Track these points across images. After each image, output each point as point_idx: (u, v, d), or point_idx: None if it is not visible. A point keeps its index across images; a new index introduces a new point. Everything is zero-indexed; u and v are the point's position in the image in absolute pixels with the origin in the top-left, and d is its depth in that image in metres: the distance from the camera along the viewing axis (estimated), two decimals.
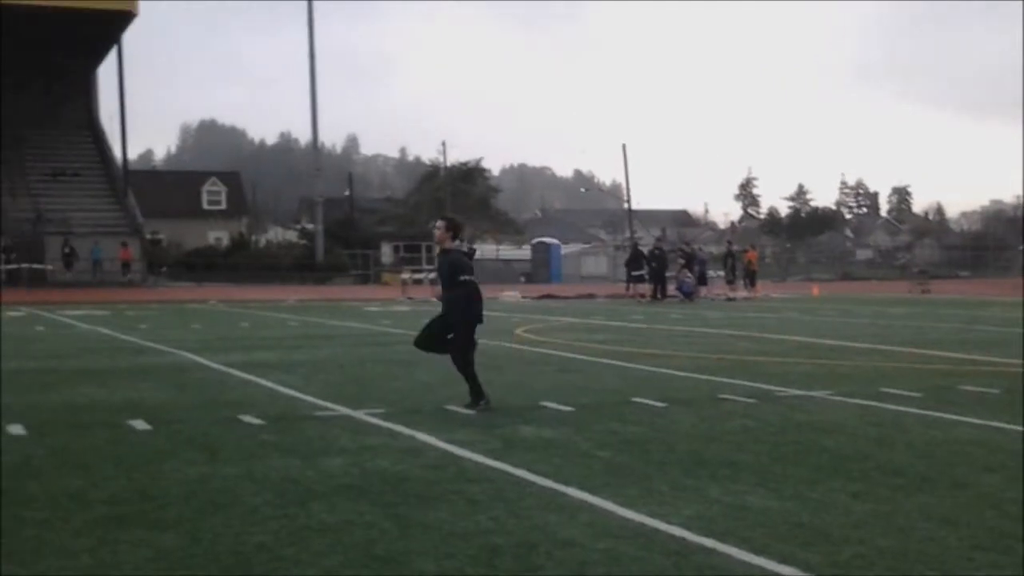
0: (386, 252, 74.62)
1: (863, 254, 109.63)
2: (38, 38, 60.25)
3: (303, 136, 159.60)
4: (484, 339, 20.26)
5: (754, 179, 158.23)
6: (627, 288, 42.72)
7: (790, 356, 16.77)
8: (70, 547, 5.65)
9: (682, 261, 42.33)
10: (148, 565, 5.33)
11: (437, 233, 11.06)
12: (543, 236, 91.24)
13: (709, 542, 5.73)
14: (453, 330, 10.93)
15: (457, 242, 11.03)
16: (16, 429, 9.39)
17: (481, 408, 10.63)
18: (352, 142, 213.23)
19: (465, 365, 10.87)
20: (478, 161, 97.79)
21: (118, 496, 6.82)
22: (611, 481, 7.30)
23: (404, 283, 44.54)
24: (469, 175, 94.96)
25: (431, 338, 11.22)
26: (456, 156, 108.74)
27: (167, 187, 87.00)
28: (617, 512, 6.42)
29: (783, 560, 5.39)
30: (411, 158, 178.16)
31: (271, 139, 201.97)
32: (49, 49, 62.02)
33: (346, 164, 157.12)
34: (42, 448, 8.55)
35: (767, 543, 5.71)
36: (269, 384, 12.89)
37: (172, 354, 17.04)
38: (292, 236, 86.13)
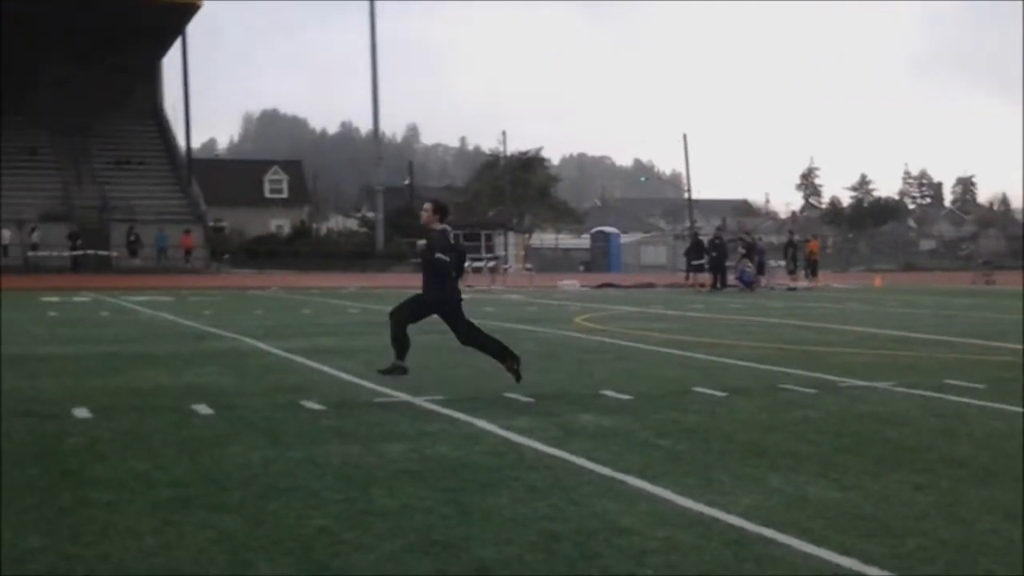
0: None
1: (926, 244, 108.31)
2: (104, 28, 61.02)
3: (364, 125, 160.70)
4: (543, 327, 20.39)
5: (816, 169, 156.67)
6: (687, 277, 42.60)
7: (852, 346, 16.63)
8: (135, 528, 5.72)
9: (742, 251, 42.08)
10: (212, 547, 5.39)
11: (424, 216, 11.08)
12: (602, 225, 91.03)
13: (768, 532, 5.70)
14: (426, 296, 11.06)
15: (444, 225, 10.95)
16: (82, 412, 9.53)
17: (395, 372, 10.90)
18: (413, 131, 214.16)
19: (398, 322, 11.02)
20: (538, 150, 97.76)
21: (182, 479, 6.91)
22: (670, 470, 7.28)
23: (464, 272, 44.60)
24: (529, 164, 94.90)
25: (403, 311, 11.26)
26: (516, 145, 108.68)
27: (230, 175, 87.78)
28: (676, 501, 6.41)
29: (844, 551, 5.36)
30: (471, 147, 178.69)
31: (332, 128, 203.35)
32: (115, 39, 62.75)
33: (407, 153, 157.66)
34: (107, 431, 8.67)
35: (827, 534, 5.68)
36: (330, 370, 12.99)
37: (234, 340, 17.21)
38: (353, 224, 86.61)
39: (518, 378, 11.07)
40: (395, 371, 10.97)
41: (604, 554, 5.32)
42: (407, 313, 11.13)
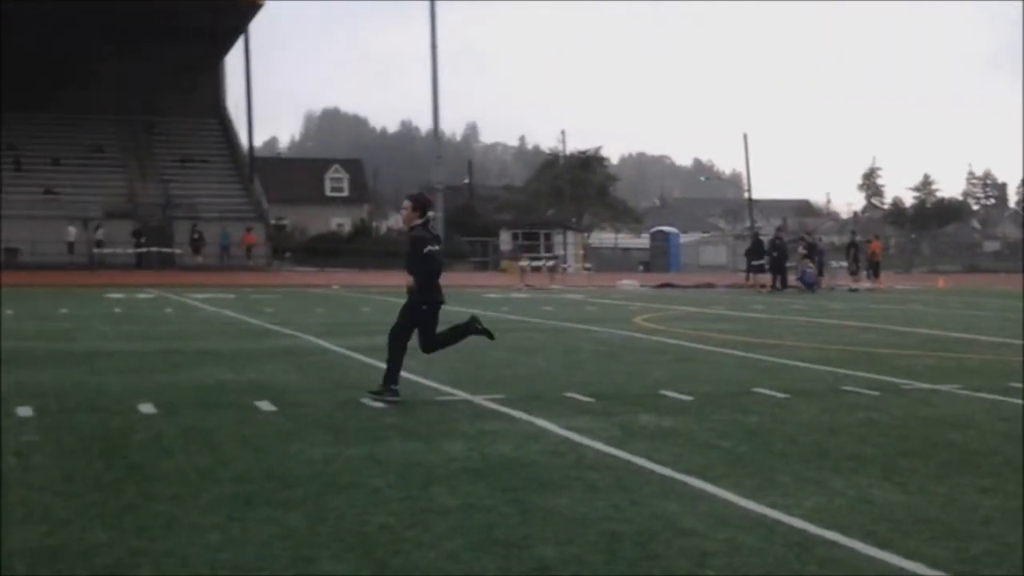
0: (505, 239, 74.86)
1: (991, 246, 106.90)
2: (168, 28, 61.71)
3: (424, 124, 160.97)
4: (603, 327, 20.34)
5: (878, 169, 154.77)
6: (747, 278, 42.34)
7: (915, 349, 16.45)
8: (199, 523, 5.77)
9: (803, 251, 41.76)
10: (275, 543, 5.43)
11: (404, 212, 10.75)
12: (662, 225, 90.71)
13: (832, 535, 5.65)
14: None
15: (424, 221, 10.66)
16: (147, 408, 9.64)
17: (386, 398, 10.15)
18: (472, 130, 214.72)
19: (396, 341, 10.53)
20: (597, 149, 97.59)
21: (246, 475, 6.97)
22: (732, 471, 7.25)
23: (523, 271, 44.63)
24: (588, 163, 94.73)
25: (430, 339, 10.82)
26: (575, 144, 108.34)
27: (291, 174, 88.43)
28: (738, 502, 6.38)
29: (909, 555, 5.30)
30: (530, 146, 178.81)
31: (392, 127, 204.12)
32: (179, 38, 63.45)
33: (466, 152, 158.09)
34: (172, 426, 8.76)
35: (892, 537, 5.62)
36: None
37: (296, 337, 17.34)
38: None
39: (491, 335, 10.94)
40: (386, 394, 10.27)
41: (665, 555, 5.30)
42: (406, 335, 10.64)
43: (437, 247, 10.55)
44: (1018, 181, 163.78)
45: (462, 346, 16.19)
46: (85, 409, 9.58)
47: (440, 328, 10.82)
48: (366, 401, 10.20)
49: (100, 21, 60.38)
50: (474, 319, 10.99)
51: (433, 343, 10.74)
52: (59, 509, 6.01)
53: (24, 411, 9.32)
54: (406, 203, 10.75)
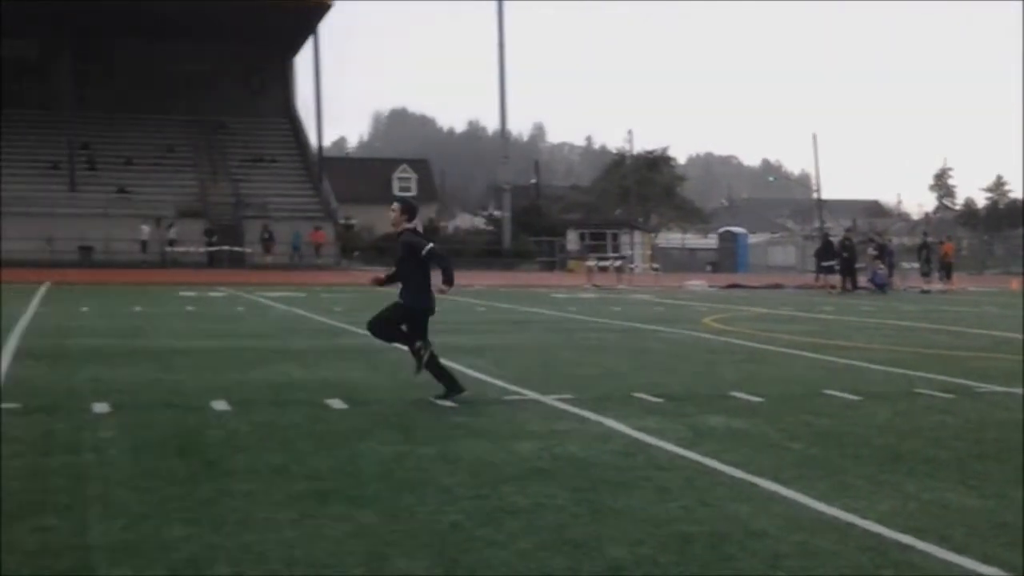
0: (571, 239, 74.80)
1: None
2: (239, 29, 62.42)
3: (491, 124, 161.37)
4: (671, 327, 20.28)
5: (950, 169, 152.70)
6: (816, 279, 41.99)
7: (989, 351, 16.23)
8: (274, 519, 5.84)
9: (874, 252, 41.35)
10: (348, 540, 5.48)
11: (392, 216, 10.65)
12: (730, 225, 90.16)
13: (907, 539, 5.60)
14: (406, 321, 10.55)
15: (414, 225, 10.58)
16: (220, 405, 9.76)
17: (422, 358, 10.24)
18: (539, 130, 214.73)
19: (377, 332, 10.61)
20: (664, 150, 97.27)
21: (318, 472, 7.03)
22: (804, 473, 7.20)
23: (590, 270, 44.57)
24: (655, 163, 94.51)
25: (382, 325, 10.76)
26: (642, 144, 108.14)
27: (359, 173, 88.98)
28: (810, 505, 6.33)
29: (985, 560, 5.24)
30: (597, 146, 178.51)
31: (460, 127, 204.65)
32: (249, 39, 64.16)
33: (533, 152, 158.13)
34: (245, 423, 8.86)
35: (968, 542, 5.56)
36: (460, 367, 13.04)
37: (366, 336, 17.30)
38: (479, 222, 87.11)
39: (418, 369, 10.50)
40: (453, 392, 10.33)
41: (738, 557, 5.28)
42: (390, 333, 10.65)
43: (432, 245, 10.47)
44: None
45: (531, 346, 16.34)
46: (160, 406, 9.72)
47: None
48: (435, 400, 10.25)
49: (172, 23, 61.17)
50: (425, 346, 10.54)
51: (379, 329, 10.71)
52: (137, 504, 6.10)
53: (101, 407, 9.48)
54: (395, 206, 10.71)
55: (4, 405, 9.46)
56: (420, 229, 10.67)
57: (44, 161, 59.89)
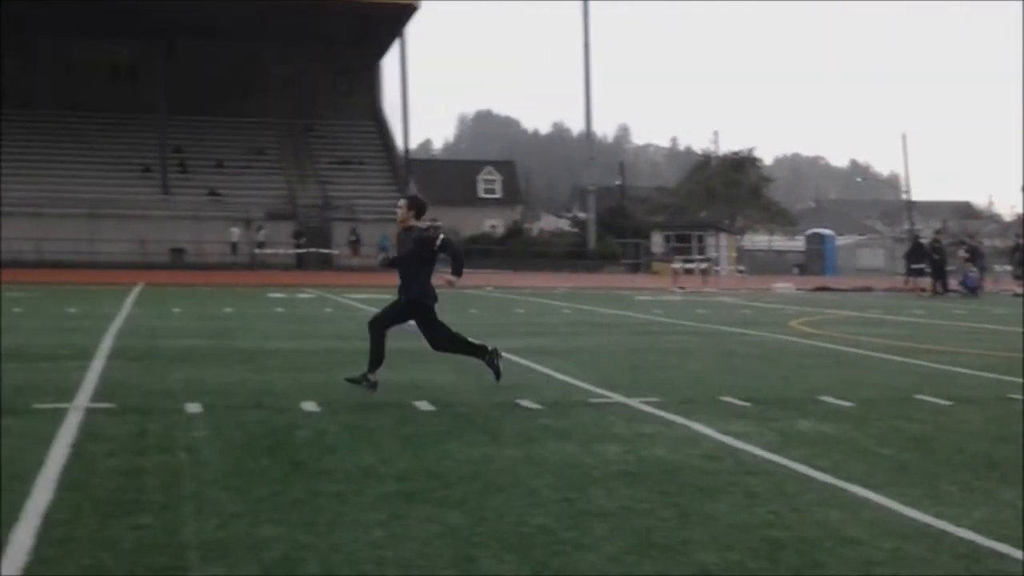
0: (657, 241, 74.52)
1: None
2: (326, 32, 63.07)
3: (576, 126, 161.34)
4: (758, 330, 20.11)
5: None
6: (906, 281, 41.39)
7: None
8: (363, 520, 5.89)
9: (965, 255, 40.67)
10: (436, 541, 5.51)
11: (399, 212, 10.73)
12: (817, 227, 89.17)
13: (1002, 547, 5.50)
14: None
15: (422, 222, 10.70)
16: (310, 405, 9.86)
17: (365, 387, 10.40)
18: (624, 131, 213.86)
19: (375, 328, 10.66)
20: (750, 150, 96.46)
21: (406, 473, 7.08)
22: (895, 479, 7.10)
23: (675, 273, 44.36)
24: (741, 164, 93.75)
25: (440, 339, 11.08)
26: (728, 146, 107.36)
27: (445, 175, 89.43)
28: (902, 511, 6.25)
29: None
30: (682, 147, 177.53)
31: (545, 129, 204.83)
32: (337, 42, 64.80)
33: (617, 153, 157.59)
34: (334, 424, 8.95)
35: None
36: (545, 370, 13.11)
37: None
38: (564, 224, 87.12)
39: (498, 375, 11.00)
40: (363, 383, 10.57)
41: (829, 564, 5.23)
42: (387, 321, 10.81)
43: (444, 236, 10.63)
44: None
45: (616, 348, 16.30)
46: (251, 406, 9.84)
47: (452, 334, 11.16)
48: (522, 402, 10.27)
49: (261, 27, 62.00)
50: (495, 353, 11.08)
51: (441, 343, 11.04)
52: (229, 503, 6.19)
53: (193, 407, 9.63)
54: (401, 202, 10.81)
55: (99, 405, 9.67)
56: (425, 227, 10.79)
57: (137, 164, 61.00)
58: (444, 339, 11.11)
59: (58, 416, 8.94)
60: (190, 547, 5.32)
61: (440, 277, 10.80)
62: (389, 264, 11.01)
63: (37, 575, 4.87)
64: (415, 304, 10.81)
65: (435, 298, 10.86)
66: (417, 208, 10.73)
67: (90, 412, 9.26)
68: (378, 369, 10.69)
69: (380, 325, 10.74)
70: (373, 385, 10.50)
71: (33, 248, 51.35)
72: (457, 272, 10.75)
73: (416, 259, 10.57)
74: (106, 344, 15.18)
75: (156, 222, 55.72)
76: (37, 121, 61.87)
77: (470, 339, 11.15)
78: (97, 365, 12.67)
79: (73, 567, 4.98)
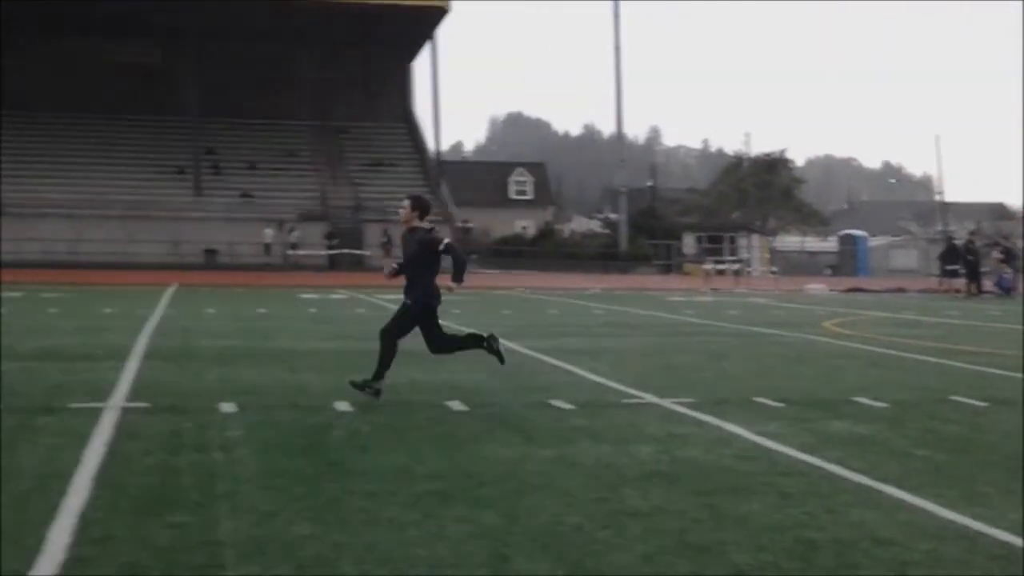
0: (688, 243, 74.34)
1: None
2: (358, 35, 63.27)
3: (607, 127, 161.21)
4: (790, 331, 20.03)
5: None
6: (940, 283, 41.12)
7: None
8: (398, 519, 5.91)
9: (1000, 256, 40.40)
10: (470, 541, 5.52)
11: (402, 213, 10.55)
12: (850, 228, 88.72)
13: None
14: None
15: (425, 223, 10.50)
16: (342, 405, 9.89)
17: (368, 392, 10.13)
18: (655, 133, 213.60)
19: (386, 337, 10.43)
20: (782, 152, 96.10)
21: (440, 473, 7.09)
22: (931, 481, 7.07)
23: (707, 274, 44.24)
24: (773, 166, 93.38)
25: (437, 341, 10.86)
26: (759, 147, 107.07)
27: (476, 177, 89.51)
28: (938, 513, 6.22)
29: None
30: (713, 149, 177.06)
31: (575, 130, 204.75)
32: (368, 45, 64.99)
33: (648, 155, 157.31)
34: (367, 424, 8.98)
35: None
36: (578, 370, 13.10)
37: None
38: (595, 226, 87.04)
39: (502, 359, 10.89)
40: (367, 390, 10.22)
41: (864, 565, 5.21)
42: (398, 332, 10.53)
43: (449, 240, 10.47)
44: None
45: (649, 349, 16.27)
46: (285, 406, 9.89)
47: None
48: (555, 403, 10.28)
49: (293, 30, 62.26)
50: (492, 337, 10.92)
51: (439, 346, 10.81)
52: (264, 502, 6.22)
53: (228, 407, 9.68)
54: (405, 202, 10.62)
55: (134, 404, 9.73)
56: (430, 227, 10.60)
57: (170, 166, 61.35)
58: (443, 341, 10.93)
59: (94, 416, 9.01)
60: (226, 545, 5.35)
61: (442, 280, 10.71)
62: (396, 273, 10.83)
63: (75, 573, 4.91)
64: (420, 306, 10.58)
65: (439, 299, 10.67)
66: (421, 208, 10.56)
67: (126, 412, 9.33)
68: (383, 379, 10.35)
69: (392, 336, 10.50)
70: (377, 392, 10.24)
71: (68, 249, 51.73)
72: (458, 278, 10.57)
73: (420, 261, 10.43)
74: (141, 344, 15.28)
75: (190, 223, 56.01)
76: (72, 124, 62.32)
77: (464, 332, 10.89)
78: (132, 365, 12.76)
79: (110, 566, 5.02)
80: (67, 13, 59.38)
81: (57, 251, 51.38)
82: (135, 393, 10.44)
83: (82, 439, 7.95)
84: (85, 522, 5.71)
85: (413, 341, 10.87)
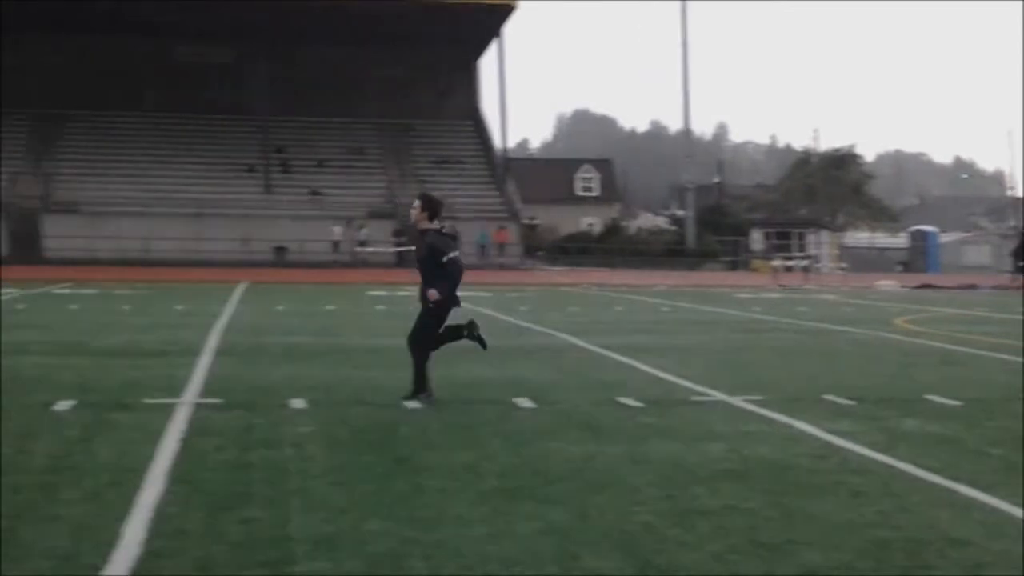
0: (756, 239, 73.77)
1: None
2: (425, 33, 63.51)
3: (673, 123, 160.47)
4: (861, 328, 19.83)
5: None
6: (1012, 279, 40.52)
7: None
8: (466, 516, 5.93)
9: None
10: (539, 538, 5.53)
11: (413, 213, 10.27)
12: (921, 224, 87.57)
13: None
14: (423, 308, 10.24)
15: (436, 223, 10.18)
16: (412, 402, 9.92)
17: (422, 401, 9.88)
18: (722, 129, 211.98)
19: (417, 347, 10.16)
20: (851, 147, 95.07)
21: (508, 470, 7.11)
22: (1005, 480, 6.97)
23: (776, 271, 43.87)
24: (842, 161, 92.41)
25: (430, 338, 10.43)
26: (828, 142, 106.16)
27: (543, 174, 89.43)
28: (1012, 512, 6.14)
29: None
30: (781, 145, 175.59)
31: (642, 127, 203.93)
32: (435, 43, 65.22)
33: (715, 151, 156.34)
34: (436, 421, 9.02)
35: None
36: (645, 368, 13.05)
37: (551, 335, 17.55)
38: (662, 222, 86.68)
39: (483, 344, 10.52)
40: (421, 399, 9.98)
41: (938, 565, 5.16)
42: (417, 336, 10.24)
43: (455, 253, 10.10)
44: None
45: (717, 346, 16.19)
46: (354, 402, 9.96)
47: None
48: (623, 400, 10.25)
49: (361, 29, 62.61)
50: (472, 324, 10.54)
51: (415, 346, 10.25)
52: (335, 498, 6.27)
53: (298, 403, 9.77)
54: (416, 202, 10.36)
55: (207, 400, 9.85)
56: (443, 228, 10.32)
57: (240, 164, 61.95)
58: (420, 342, 10.38)
59: (168, 411, 9.13)
60: (297, 541, 5.40)
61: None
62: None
63: (150, 567, 4.98)
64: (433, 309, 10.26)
65: (458, 303, 10.36)
66: (431, 208, 10.27)
67: (199, 407, 9.45)
68: (428, 383, 10.13)
69: (425, 348, 10.24)
70: (430, 396, 10.07)
71: (141, 247, 52.42)
72: (442, 291, 10.08)
73: (430, 262, 10.17)
74: (212, 341, 15.45)
75: (259, 221, 56.49)
76: (144, 123, 63.13)
77: (424, 371, 10.25)
78: (204, 361, 12.91)
79: (184, 559, 5.09)
80: (141, 15, 60.16)
81: (130, 249, 52.07)
82: (207, 389, 10.57)
83: (156, 434, 8.06)
84: (159, 517, 5.79)
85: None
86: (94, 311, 21.89)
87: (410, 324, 10.46)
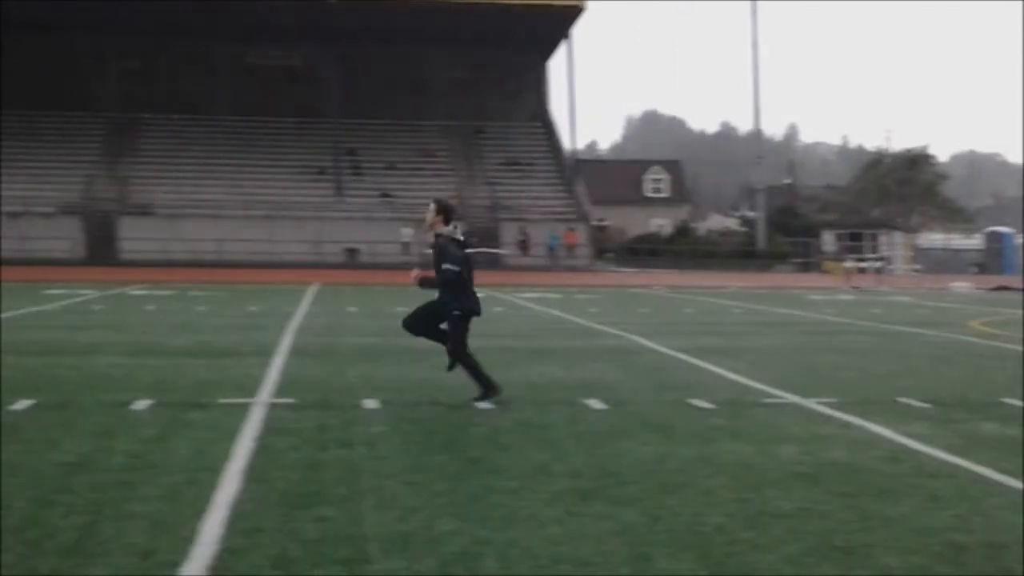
0: (828, 240, 73.06)
1: None
2: (494, 35, 63.69)
3: (743, 125, 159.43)
4: (936, 330, 19.59)
5: None
6: None
7: None
8: (539, 516, 5.94)
9: None
10: (612, 539, 5.53)
11: (427, 217, 10.27)
12: (996, 225, 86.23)
13: None
14: (445, 320, 10.25)
15: (451, 227, 10.17)
16: (483, 403, 9.96)
17: (492, 397, 9.87)
18: (792, 130, 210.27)
19: (458, 355, 10.07)
20: (924, 148, 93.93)
21: (580, 471, 7.11)
22: None
23: (848, 272, 43.43)
24: (914, 162, 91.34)
25: (416, 321, 10.64)
26: (901, 143, 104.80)
27: (612, 175, 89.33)
28: None
29: None
30: (853, 145, 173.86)
31: (711, 128, 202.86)
32: (505, 45, 65.38)
33: (786, 152, 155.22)
34: (507, 421, 9.04)
35: None
36: (717, 369, 12.99)
37: (621, 337, 17.51)
38: (732, 223, 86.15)
39: (450, 368, 10.29)
40: (491, 397, 9.98)
41: (1016, 570, 5.09)
42: (452, 346, 10.19)
43: (455, 267, 10.07)
44: None
45: (789, 348, 16.08)
46: (426, 402, 10.01)
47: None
48: (694, 402, 10.22)
49: (431, 31, 62.92)
50: (495, 391, 10.13)
51: (455, 355, 10.20)
52: (408, 497, 6.31)
53: (371, 403, 9.85)
54: (431, 206, 10.34)
55: (281, 400, 9.96)
56: (459, 233, 10.28)
57: (312, 167, 62.49)
58: (424, 328, 10.63)
59: (242, 411, 9.24)
60: (371, 539, 5.44)
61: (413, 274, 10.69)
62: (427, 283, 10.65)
63: (227, 564, 5.05)
64: (465, 310, 10.29)
65: (474, 306, 10.39)
66: (445, 212, 10.28)
67: (273, 407, 9.55)
68: (492, 382, 10.11)
69: (461, 351, 10.18)
70: (497, 390, 10.07)
71: (215, 249, 53.07)
72: (427, 280, 10.45)
73: (439, 266, 10.20)
74: (286, 341, 15.61)
75: (331, 223, 56.97)
76: (218, 127, 63.96)
77: (482, 372, 10.22)
78: (278, 361, 13.05)
79: (260, 557, 5.15)
80: (216, 20, 60.94)
81: (204, 251, 52.75)
82: (281, 389, 10.68)
83: (231, 434, 8.16)
84: (236, 514, 5.86)
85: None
86: (169, 312, 22.21)
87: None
